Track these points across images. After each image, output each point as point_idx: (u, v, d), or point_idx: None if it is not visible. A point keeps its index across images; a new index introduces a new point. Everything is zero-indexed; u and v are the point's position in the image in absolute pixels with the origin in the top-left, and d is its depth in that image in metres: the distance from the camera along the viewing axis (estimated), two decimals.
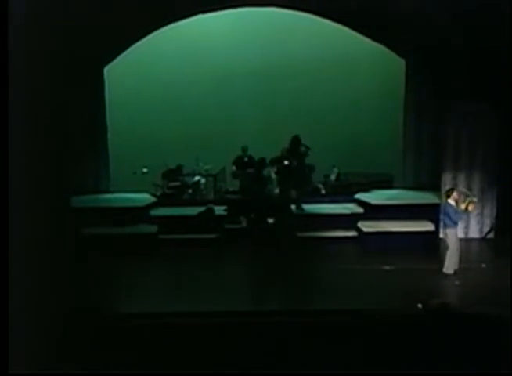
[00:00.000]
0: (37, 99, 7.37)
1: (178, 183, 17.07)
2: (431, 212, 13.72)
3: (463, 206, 11.79)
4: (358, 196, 15.40)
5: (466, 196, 12.26)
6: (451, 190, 11.99)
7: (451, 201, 11.69)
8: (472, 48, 13.21)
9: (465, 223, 14.01)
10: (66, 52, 8.85)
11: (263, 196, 15.06)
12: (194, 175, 17.51)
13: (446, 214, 11.70)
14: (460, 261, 11.83)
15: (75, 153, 12.92)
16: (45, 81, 7.58)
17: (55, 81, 8.24)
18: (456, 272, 11.68)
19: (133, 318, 9.61)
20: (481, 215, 14.29)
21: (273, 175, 15.57)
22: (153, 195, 15.98)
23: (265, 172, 15.30)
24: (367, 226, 14.14)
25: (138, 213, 14.54)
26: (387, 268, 12.21)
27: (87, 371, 7.37)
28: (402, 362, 8.13)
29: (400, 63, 16.26)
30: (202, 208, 14.79)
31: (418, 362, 8.00)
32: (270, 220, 14.60)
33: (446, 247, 11.80)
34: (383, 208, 14.47)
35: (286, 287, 11.78)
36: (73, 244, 10.01)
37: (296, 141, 15.09)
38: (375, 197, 15.07)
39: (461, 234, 13.50)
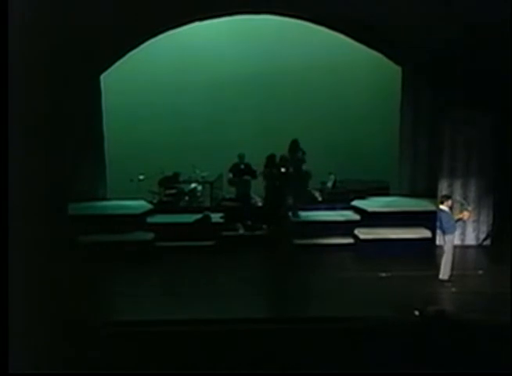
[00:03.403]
0: (34, 101, 7.38)
1: (174, 190, 17.05)
2: (427, 219, 13.72)
3: (458, 215, 11.85)
4: (355, 203, 15.40)
5: (461, 205, 12.29)
6: (445, 197, 12.01)
7: (445, 208, 11.70)
8: (470, 54, 13.27)
9: (461, 230, 14.01)
10: (64, 56, 8.88)
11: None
12: (191, 182, 17.48)
13: (441, 221, 11.75)
14: (457, 268, 11.86)
15: (72, 160, 12.90)
16: (44, 83, 7.60)
17: (54, 83, 8.26)
18: (450, 278, 11.70)
19: (128, 323, 9.65)
20: (477, 221, 14.29)
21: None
22: (150, 202, 15.95)
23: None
24: (364, 233, 14.14)
25: (135, 220, 14.50)
26: (383, 275, 12.24)
27: (86, 371, 7.38)
28: (399, 367, 8.17)
29: (397, 70, 16.32)
30: (199, 215, 14.80)
31: (414, 367, 8.04)
32: (267, 227, 14.62)
33: (442, 254, 11.84)
34: (379, 215, 14.49)
35: (282, 294, 11.79)
36: (71, 249, 10.02)
37: (295, 145, 15.15)
38: (372, 204, 15.08)
39: (458, 241, 13.55)
